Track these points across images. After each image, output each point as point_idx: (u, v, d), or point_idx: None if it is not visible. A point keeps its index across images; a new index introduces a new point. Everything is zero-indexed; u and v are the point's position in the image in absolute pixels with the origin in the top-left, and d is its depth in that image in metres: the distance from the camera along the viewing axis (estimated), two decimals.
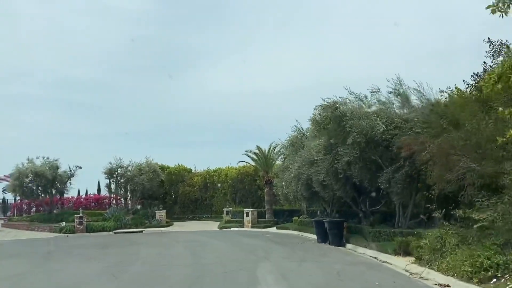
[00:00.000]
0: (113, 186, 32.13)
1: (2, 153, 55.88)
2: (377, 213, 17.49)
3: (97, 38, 64.55)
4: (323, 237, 16.68)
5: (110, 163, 31.59)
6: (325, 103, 13.80)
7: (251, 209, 27.32)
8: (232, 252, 14.77)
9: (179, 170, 37.30)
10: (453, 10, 54.91)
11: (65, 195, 34.70)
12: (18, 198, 33.79)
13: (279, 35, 65.44)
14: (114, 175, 31.75)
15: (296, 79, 56.27)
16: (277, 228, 24.60)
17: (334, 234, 15.81)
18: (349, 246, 15.19)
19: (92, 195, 34.90)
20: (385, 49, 58.16)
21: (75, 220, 27.68)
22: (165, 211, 31.70)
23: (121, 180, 31.89)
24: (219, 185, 33.12)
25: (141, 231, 28.26)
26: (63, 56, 64.13)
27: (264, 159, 28.06)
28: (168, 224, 30.74)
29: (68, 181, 31.98)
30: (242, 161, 29.69)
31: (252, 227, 26.29)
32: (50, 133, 64.27)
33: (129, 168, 32.36)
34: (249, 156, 28.77)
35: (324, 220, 16.39)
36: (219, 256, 13.54)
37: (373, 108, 14.04)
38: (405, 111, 13.86)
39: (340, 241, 15.69)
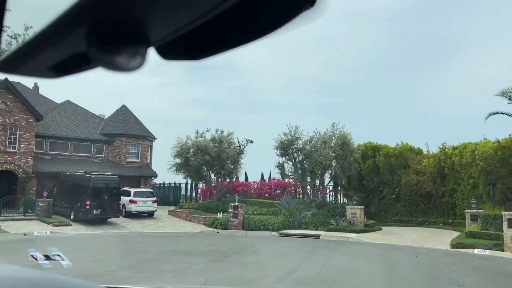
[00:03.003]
0: (286, 166, 22.53)
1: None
2: None
3: (352, 43, 62.54)
4: None
5: (285, 134, 22.09)
6: None
7: None
8: None
9: (401, 151, 24.18)
10: None
11: (248, 180, 27.76)
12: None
13: None
14: (289, 151, 22.07)
15: None
16: None
17: None
18: None
19: (274, 180, 26.31)
20: None
21: (229, 211, 20.06)
22: (361, 207, 20.02)
23: (299, 158, 21.88)
24: None
25: (318, 236, 18.19)
26: (325, 64, 65.54)
27: None
28: (366, 229, 19.46)
29: (239, 159, 24.36)
30: (496, 113, 14.24)
31: None
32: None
33: (313, 143, 22.03)
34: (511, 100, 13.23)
35: None
36: None
37: None
38: None
39: None
